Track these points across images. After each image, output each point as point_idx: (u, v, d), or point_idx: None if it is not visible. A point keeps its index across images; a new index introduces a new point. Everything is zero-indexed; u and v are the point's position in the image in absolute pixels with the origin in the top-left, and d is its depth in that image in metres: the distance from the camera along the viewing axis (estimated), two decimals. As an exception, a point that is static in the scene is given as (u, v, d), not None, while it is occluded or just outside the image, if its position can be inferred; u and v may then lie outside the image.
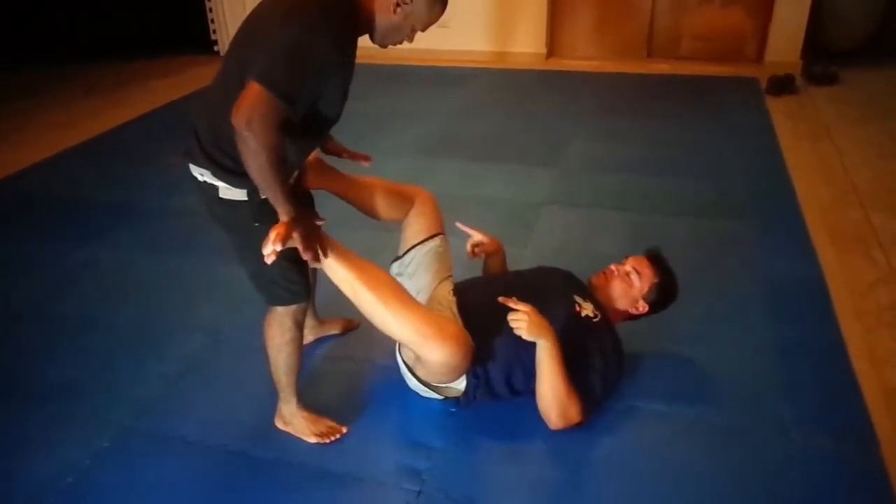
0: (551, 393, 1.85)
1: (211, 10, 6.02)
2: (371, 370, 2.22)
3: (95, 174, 3.83)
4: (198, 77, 5.50)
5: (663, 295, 2.09)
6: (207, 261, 2.84)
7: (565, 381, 1.85)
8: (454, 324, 1.84)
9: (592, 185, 3.52)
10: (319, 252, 1.66)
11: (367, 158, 2.03)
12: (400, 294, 1.82)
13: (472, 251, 2.22)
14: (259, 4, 1.60)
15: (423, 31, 1.66)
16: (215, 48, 6.14)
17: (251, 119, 1.42)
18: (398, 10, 1.58)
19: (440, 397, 1.99)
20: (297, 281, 1.77)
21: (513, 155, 3.90)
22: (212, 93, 1.64)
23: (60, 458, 1.89)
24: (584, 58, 5.80)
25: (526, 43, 5.79)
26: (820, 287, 2.56)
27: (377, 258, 1.90)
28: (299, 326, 1.84)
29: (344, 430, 1.95)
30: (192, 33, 6.11)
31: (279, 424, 1.96)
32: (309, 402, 1.96)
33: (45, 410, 2.08)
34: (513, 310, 1.83)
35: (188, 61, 5.98)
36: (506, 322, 1.83)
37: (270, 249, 1.56)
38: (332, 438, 1.92)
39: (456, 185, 3.47)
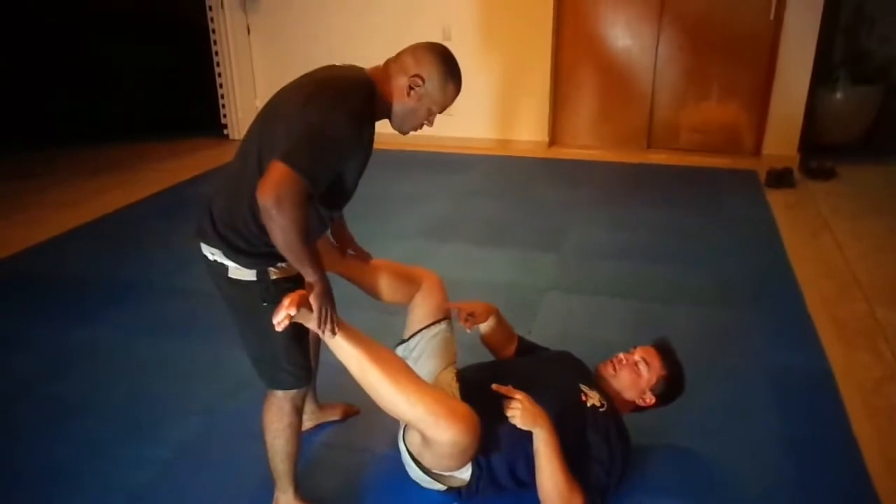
0: (551, 484, 1.80)
1: (223, 95, 6.21)
2: (371, 459, 2.16)
3: (100, 254, 3.84)
4: (207, 159, 5.61)
5: (671, 388, 2.06)
6: (207, 343, 2.81)
7: (565, 471, 1.80)
8: (464, 405, 1.79)
9: (594, 271, 3.53)
10: (331, 324, 1.65)
11: (368, 259, 2.05)
12: (409, 373, 1.79)
13: (466, 322, 2.14)
14: (280, 90, 1.66)
15: (440, 112, 1.69)
16: (225, 132, 6.30)
17: (279, 197, 1.44)
18: (412, 93, 1.63)
19: (443, 487, 1.92)
20: (299, 364, 1.75)
21: (515, 240, 3.94)
22: (229, 172, 1.68)
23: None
24: (585, 147, 5.93)
25: (529, 131, 5.95)
26: (827, 382, 2.53)
27: (381, 341, 1.88)
28: (298, 412, 1.80)
29: None
30: (203, 116, 6.28)
31: None
32: (306, 491, 1.90)
33: (27, 498, 2.00)
34: (508, 397, 1.80)
35: (198, 144, 6.11)
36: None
37: (284, 314, 1.55)
38: None
39: (458, 268, 3.48)
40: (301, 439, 1.85)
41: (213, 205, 1.69)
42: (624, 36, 5.63)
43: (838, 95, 5.40)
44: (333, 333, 1.67)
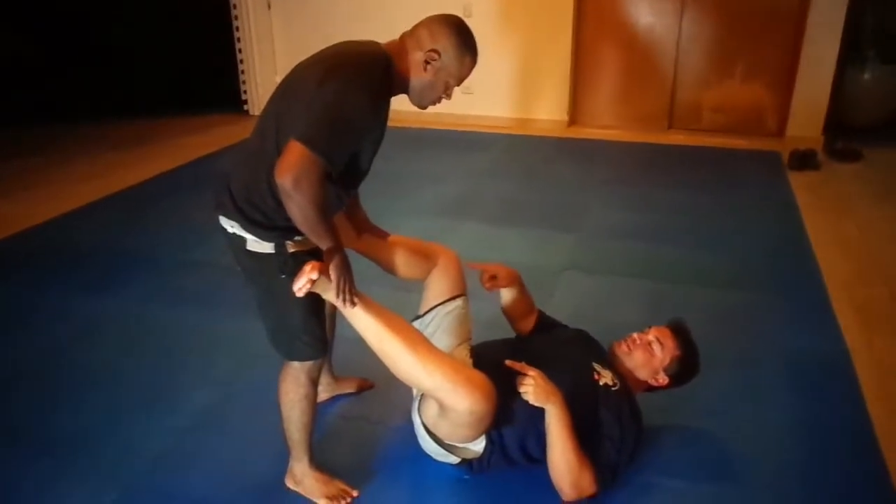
0: (562, 460, 1.81)
1: (243, 70, 6.22)
2: (385, 432, 2.19)
3: (122, 226, 3.89)
4: (227, 135, 5.63)
5: (685, 369, 2.05)
6: (224, 315, 2.85)
7: (576, 449, 1.81)
8: (481, 374, 1.80)
9: (611, 252, 3.51)
10: (350, 295, 1.66)
11: (385, 236, 2.06)
12: (426, 343, 1.81)
13: (488, 283, 2.13)
14: (297, 65, 1.67)
15: (458, 85, 1.70)
16: (245, 108, 6.32)
17: (297, 177, 1.47)
18: (428, 67, 1.63)
19: (456, 460, 1.94)
20: (316, 335, 1.77)
21: (532, 220, 3.93)
22: (247, 147, 1.69)
23: (66, 512, 1.86)
24: (605, 127, 5.88)
25: (548, 110, 5.90)
26: (845, 365, 2.51)
27: None
28: (314, 383, 1.83)
29: (355, 493, 1.90)
30: (224, 93, 6.30)
31: (290, 483, 1.92)
32: (320, 461, 1.93)
33: (53, 462, 2.06)
34: (521, 374, 1.82)
35: (218, 120, 6.14)
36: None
37: (305, 279, 1.58)
38: (344, 502, 1.88)
39: (475, 247, 3.48)
40: (316, 410, 1.88)
41: (231, 179, 1.70)
42: (647, 13, 5.55)
43: (866, 76, 5.29)
44: (353, 304, 1.68)
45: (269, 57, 6.23)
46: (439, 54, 1.62)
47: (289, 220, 1.58)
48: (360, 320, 1.75)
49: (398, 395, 2.22)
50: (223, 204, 1.70)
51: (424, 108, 1.74)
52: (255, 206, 1.64)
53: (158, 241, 3.65)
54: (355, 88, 1.53)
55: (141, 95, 6.21)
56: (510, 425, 1.87)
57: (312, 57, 1.67)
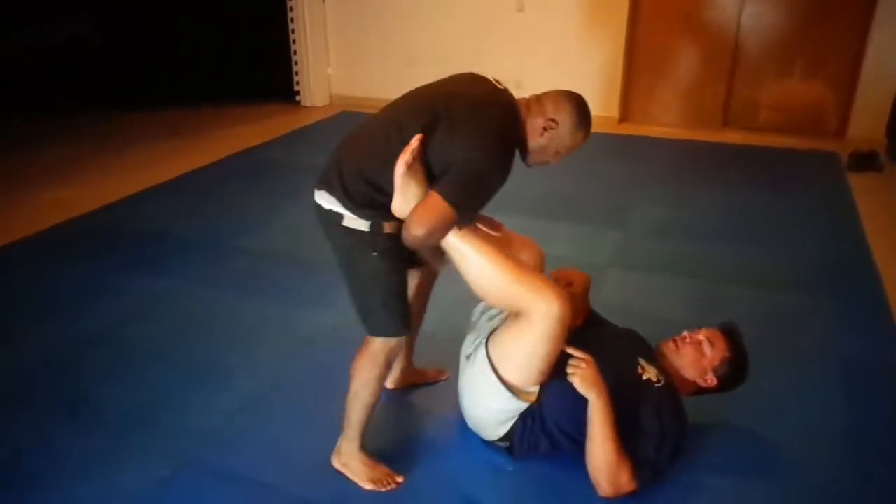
0: (601, 454, 1.81)
1: (296, 62, 6.31)
2: (432, 421, 2.21)
3: (175, 211, 4.00)
4: (279, 125, 5.73)
5: (734, 371, 2.02)
6: (270, 301, 2.91)
7: (616, 443, 1.81)
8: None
9: (659, 250, 3.46)
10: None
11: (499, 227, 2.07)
12: (510, 256, 1.85)
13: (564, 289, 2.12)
14: (447, 84, 1.80)
15: (567, 154, 1.84)
16: (297, 98, 6.41)
17: (431, 231, 1.65)
18: (545, 133, 1.79)
19: (508, 412, 1.91)
20: (398, 312, 1.83)
21: (578, 215, 3.90)
22: (368, 137, 1.80)
23: (120, 487, 1.93)
24: (656, 124, 5.79)
25: (598, 106, 5.79)
26: (902, 372, 2.44)
27: (468, 303, 1.97)
28: (388, 365, 1.87)
29: (400, 479, 1.93)
30: (277, 83, 6.40)
31: (335, 463, 1.95)
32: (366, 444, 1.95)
33: (109, 435, 2.14)
34: (572, 357, 1.83)
35: (270, 109, 6.25)
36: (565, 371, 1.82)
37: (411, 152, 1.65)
38: (388, 487, 1.90)
39: (522, 242, 3.46)
40: (381, 394, 1.90)
41: (343, 160, 1.78)
42: (705, 6, 5.43)
43: (934, 75, 5.08)
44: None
45: (323, 48, 6.30)
46: (557, 124, 1.77)
47: (387, 204, 1.70)
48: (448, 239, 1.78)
49: (446, 385, 2.24)
50: (329, 181, 1.77)
51: (529, 165, 1.88)
52: (358, 189, 1.73)
53: (212, 228, 3.74)
54: (501, 154, 1.70)
55: (195, 84, 6.33)
56: (555, 401, 1.88)
57: (460, 86, 1.79)
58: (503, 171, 1.71)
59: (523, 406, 1.91)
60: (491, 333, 1.95)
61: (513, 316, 1.86)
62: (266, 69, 6.41)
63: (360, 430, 1.91)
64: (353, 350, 1.88)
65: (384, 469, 1.94)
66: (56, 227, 3.72)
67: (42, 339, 2.67)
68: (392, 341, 1.83)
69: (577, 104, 1.80)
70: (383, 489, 1.89)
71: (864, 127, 5.16)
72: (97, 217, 3.89)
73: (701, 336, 2.03)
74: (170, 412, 2.24)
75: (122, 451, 2.06)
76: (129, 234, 3.66)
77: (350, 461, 1.93)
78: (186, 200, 4.19)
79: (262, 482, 1.94)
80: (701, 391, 2.06)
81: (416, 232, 1.64)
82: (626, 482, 1.82)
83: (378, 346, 1.83)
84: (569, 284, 2.13)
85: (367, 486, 1.90)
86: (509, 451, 1.99)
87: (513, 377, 1.88)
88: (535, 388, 1.90)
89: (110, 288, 3.05)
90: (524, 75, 5.23)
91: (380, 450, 1.99)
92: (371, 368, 1.84)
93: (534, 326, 1.79)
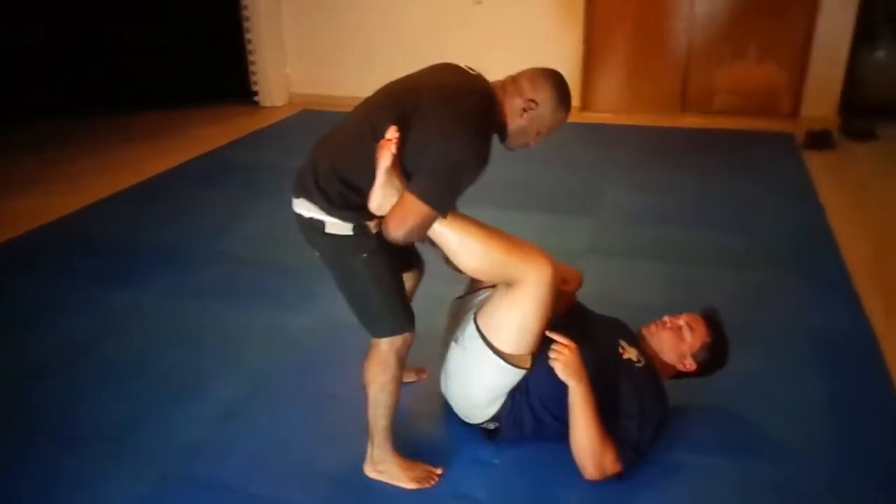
0: (585, 439, 1.83)
1: (253, 62, 6.21)
2: (415, 419, 2.20)
3: (139, 219, 3.91)
4: (239, 126, 5.64)
5: (713, 356, 2.06)
6: (249, 306, 2.87)
7: (598, 428, 1.83)
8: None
9: (630, 235, 3.51)
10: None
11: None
12: (487, 226, 1.84)
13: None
14: (418, 77, 1.77)
15: (547, 135, 1.79)
16: (255, 98, 6.31)
17: (410, 232, 1.64)
18: (525, 114, 1.74)
19: (501, 387, 1.91)
20: (399, 309, 1.79)
21: (547, 205, 3.92)
22: (341, 138, 1.76)
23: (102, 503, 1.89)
24: (617, 111, 5.85)
25: (559, 96, 5.87)
26: (869, 342, 2.51)
27: (452, 293, 1.93)
28: (402, 364, 1.83)
29: (439, 471, 1.91)
30: (234, 84, 6.29)
31: (370, 473, 1.91)
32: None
33: (87, 452, 2.08)
34: (555, 343, 1.84)
35: (230, 111, 6.14)
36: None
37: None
38: (431, 483, 1.88)
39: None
40: (401, 392, 1.87)
41: (318, 161, 1.75)
42: (658, -5, 5.51)
43: (881, 54, 5.25)
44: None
45: (279, 47, 6.22)
46: (537, 104, 1.72)
47: (364, 204, 1.67)
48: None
49: (426, 383, 2.25)
50: (305, 187, 1.73)
51: (510, 149, 1.83)
52: (337, 191, 1.69)
53: (177, 233, 3.66)
54: (478, 143, 1.65)
55: (151, 88, 6.20)
56: (541, 374, 1.88)
57: (431, 77, 1.77)
58: (481, 160, 1.67)
59: (519, 375, 1.89)
60: (477, 311, 1.95)
61: (503, 287, 1.86)
62: (222, 70, 6.31)
63: (387, 434, 1.87)
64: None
65: (423, 466, 1.91)
66: (21, 237, 3.61)
67: (14, 353, 2.59)
68: (398, 340, 1.79)
69: (557, 82, 1.76)
70: (428, 486, 1.87)
71: (817, 107, 5.30)
72: (63, 226, 3.78)
73: (681, 321, 2.07)
74: (149, 426, 2.19)
75: (102, 468, 2.01)
76: (98, 243, 3.57)
77: (386, 467, 1.89)
78: (154, 206, 4.10)
79: (249, 492, 1.91)
80: (680, 375, 2.09)
81: (394, 235, 1.64)
82: (610, 464, 1.85)
83: (385, 348, 1.79)
84: (564, 283, 2.15)
85: (411, 486, 1.86)
86: (496, 433, 1.99)
87: (509, 346, 1.86)
88: (530, 356, 1.89)
89: (75, 301, 2.96)
90: (484, 68, 5.22)
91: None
92: (384, 371, 1.80)
93: (529, 292, 1.80)
